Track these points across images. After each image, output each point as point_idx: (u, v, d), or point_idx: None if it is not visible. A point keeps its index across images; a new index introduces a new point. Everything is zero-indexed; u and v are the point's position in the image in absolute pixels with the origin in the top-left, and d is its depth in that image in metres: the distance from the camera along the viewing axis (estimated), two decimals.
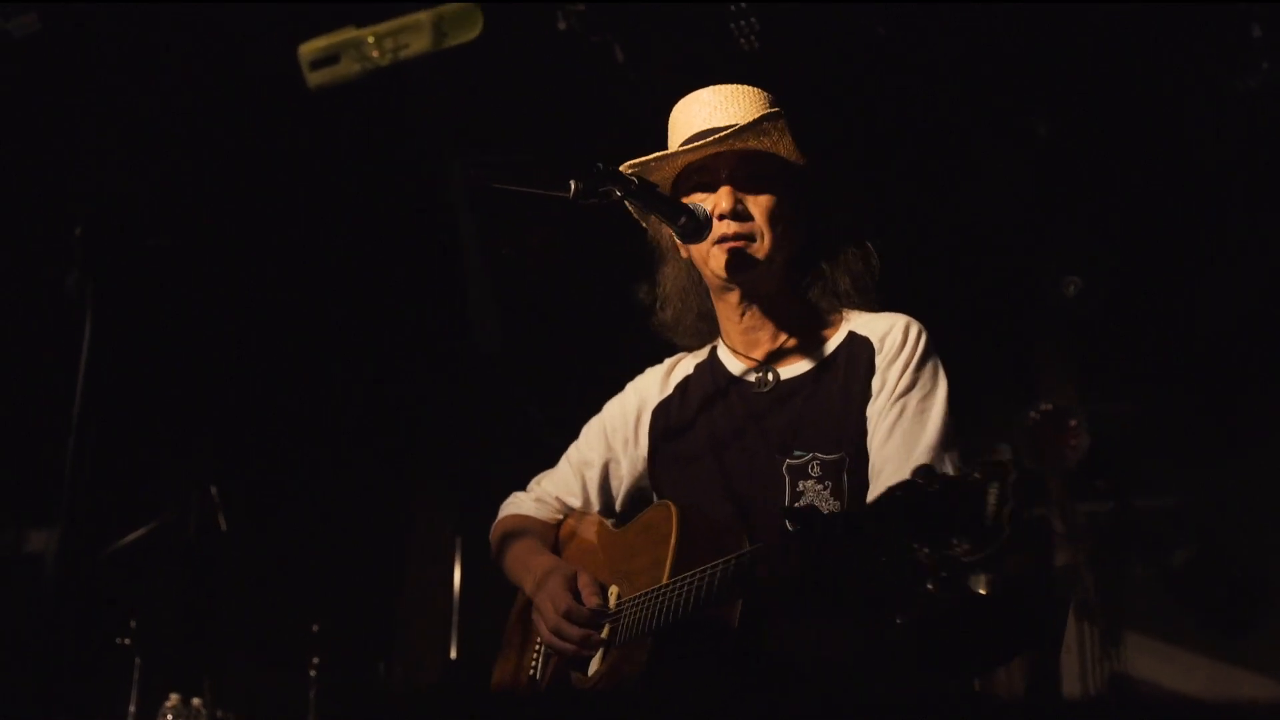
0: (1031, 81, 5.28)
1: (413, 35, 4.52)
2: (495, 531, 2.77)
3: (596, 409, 2.73)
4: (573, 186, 2.21)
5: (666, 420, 2.56)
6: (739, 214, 2.33)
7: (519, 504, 2.76)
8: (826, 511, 2.20)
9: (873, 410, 2.29)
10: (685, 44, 4.78)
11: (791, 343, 2.45)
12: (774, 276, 2.40)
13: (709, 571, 2.06)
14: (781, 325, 2.45)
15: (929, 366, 2.31)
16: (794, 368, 2.42)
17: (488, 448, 6.10)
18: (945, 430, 2.25)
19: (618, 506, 2.66)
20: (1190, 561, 5.92)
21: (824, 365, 2.39)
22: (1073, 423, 5.95)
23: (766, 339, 2.46)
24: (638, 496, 2.64)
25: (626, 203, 2.31)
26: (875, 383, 2.31)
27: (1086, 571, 6.09)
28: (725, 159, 2.35)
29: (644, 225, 2.60)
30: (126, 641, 4.82)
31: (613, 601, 2.35)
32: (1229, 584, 5.87)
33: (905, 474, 2.16)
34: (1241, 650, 5.80)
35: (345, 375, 6.39)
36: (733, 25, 4.68)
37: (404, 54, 4.53)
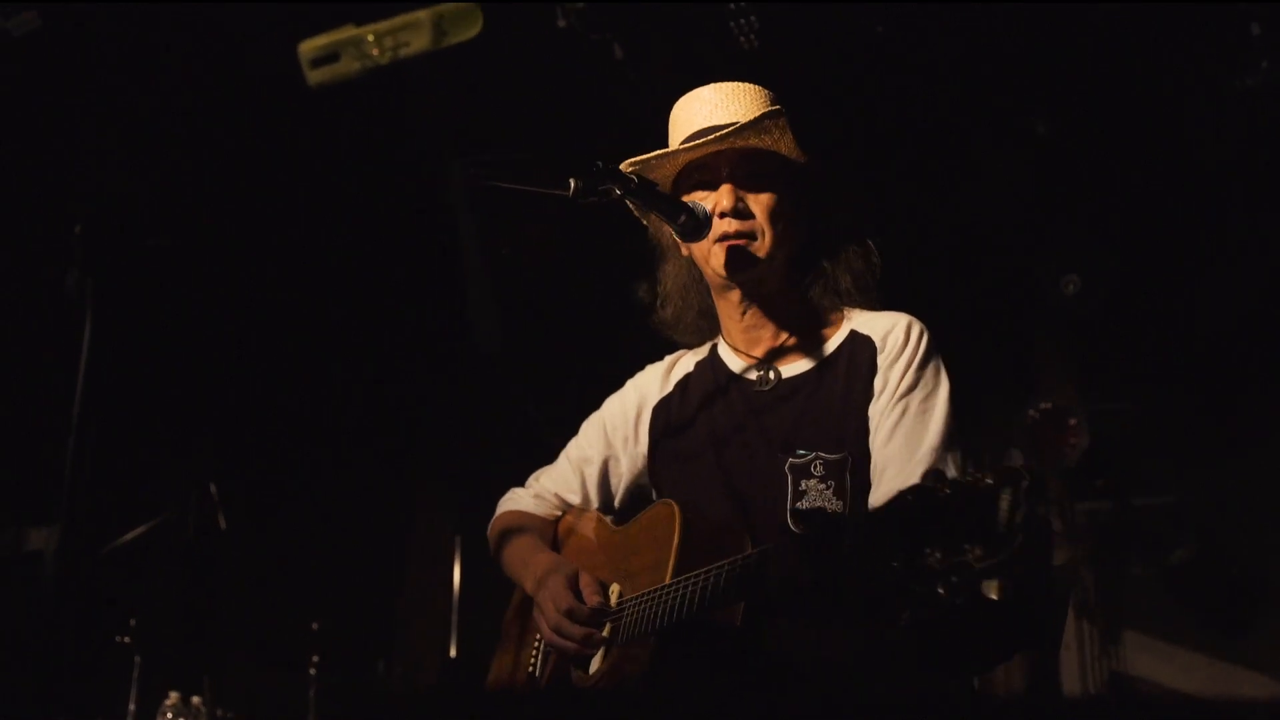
0: (1031, 81, 5.28)
1: (412, 34, 4.52)
2: (493, 527, 2.76)
3: (596, 408, 2.73)
4: (572, 185, 2.21)
5: (667, 418, 2.55)
6: (740, 212, 2.33)
7: (517, 500, 2.75)
8: (830, 511, 2.20)
9: (875, 410, 2.28)
10: (685, 43, 4.79)
11: (792, 341, 2.44)
12: (775, 275, 2.40)
13: (714, 572, 2.06)
14: (783, 324, 2.45)
15: (931, 366, 2.31)
16: (795, 366, 2.42)
17: (488, 448, 6.09)
18: (948, 430, 2.25)
19: (617, 504, 2.65)
20: (1189, 561, 5.92)
21: (825, 364, 2.39)
22: (1073, 422, 5.96)
23: (768, 337, 2.45)
24: (637, 494, 2.63)
25: (627, 200, 2.31)
26: (877, 382, 2.30)
27: (1086, 570, 6.09)
28: (726, 157, 2.35)
29: (644, 223, 2.60)
30: (126, 640, 4.82)
31: (614, 600, 2.35)
32: (1228, 583, 5.88)
33: (908, 474, 2.17)
34: (1240, 649, 5.80)
35: (345, 375, 6.39)
36: (732, 24, 4.68)
37: (404, 52, 4.54)
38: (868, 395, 2.30)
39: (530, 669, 2.53)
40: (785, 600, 2.07)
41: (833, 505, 2.23)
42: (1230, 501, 5.87)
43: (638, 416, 2.60)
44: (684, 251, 2.50)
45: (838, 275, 2.43)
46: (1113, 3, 4.77)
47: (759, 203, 2.34)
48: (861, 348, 2.36)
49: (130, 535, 4.72)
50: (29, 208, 4.97)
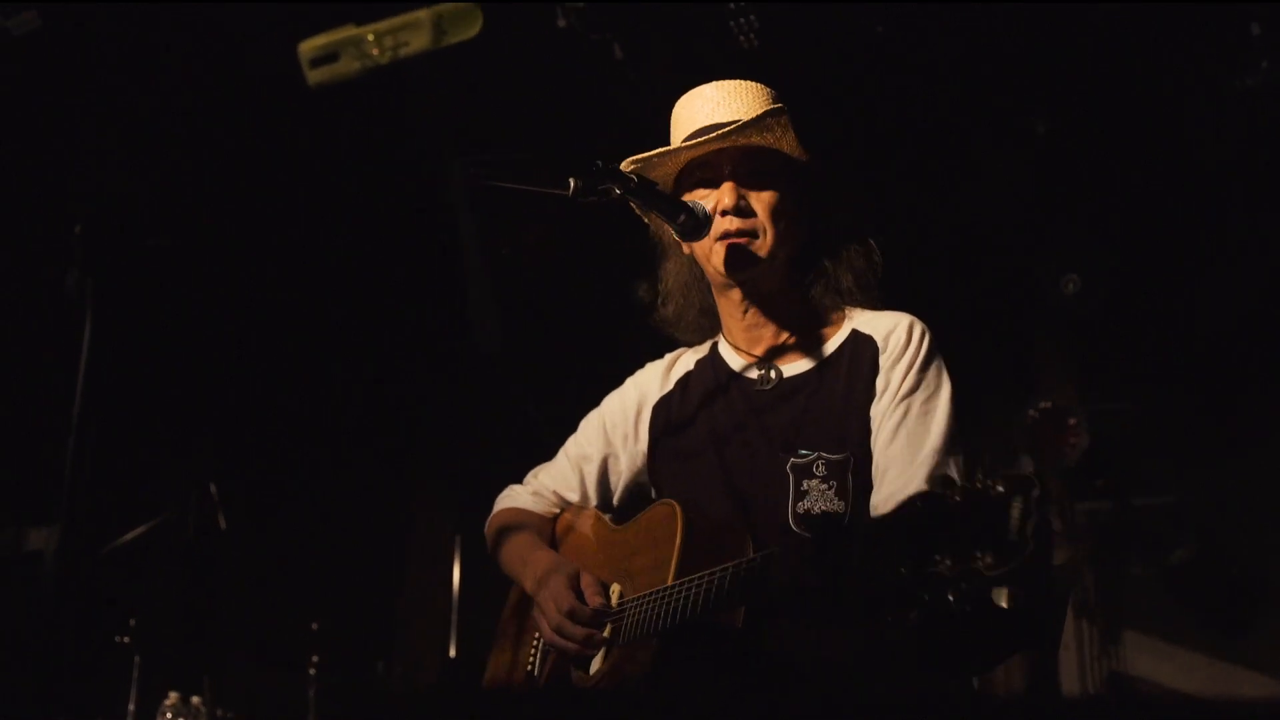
0: (1031, 81, 5.29)
1: (412, 33, 4.53)
2: (491, 525, 2.75)
3: (595, 408, 2.73)
4: (572, 184, 2.20)
5: (667, 416, 2.55)
6: (742, 210, 2.32)
7: (516, 497, 2.75)
8: (832, 511, 2.20)
9: (877, 410, 2.28)
10: (685, 43, 4.79)
11: (793, 340, 2.44)
12: (776, 273, 2.40)
13: (718, 575, 2.05)
14: (784, 322, 2.44)
15: (933, 367, 2.30)
16: (796, 365, 2.41)
17: (488, 448, 6.09)
18: (949, 432, 2.24)
19: (615, 502, 2.64)
20: (1189, 561, 5.92)
21: (826, 363, 2.38)
22: (1072, 422, 5.96)
23: (768, 336, 2.45)
24: (636, 492, 2.63)
25: (628, 200, 2.30)
26: (879, 383, 2.30)
27: (1086, 570, 6.09)
28: (728, 155, 2.35)
29: (645, 221, 2.60)
30: (126, 640, 4.82)
31: (614, 600, 2.35)
32: (1228, 583, 5.88)
33: (909, 476, 2.17)
34: (1240, 649, 5.80)
35: (345, 375, 6.39)
36: (732, 24, 4.68)
37: (404, 52, 4.54)
38: (869, 395, 2.30)
39: (529, 668, 2.52)
40: (788, 603, 2.06)
41: (835, 506, 2.23)
42: (1230, 501, 5.87)
43: (638, 414, 2.59)
44: (685, 249, 2.49)
45: (839, 274, 2.42)
46: (1113, 3, 4.77)
47: (761, 201, 2.34)
48: (863, 347, 2.36)
49: (130, 535, 4.73)
50: (29, 208, 4.97)
